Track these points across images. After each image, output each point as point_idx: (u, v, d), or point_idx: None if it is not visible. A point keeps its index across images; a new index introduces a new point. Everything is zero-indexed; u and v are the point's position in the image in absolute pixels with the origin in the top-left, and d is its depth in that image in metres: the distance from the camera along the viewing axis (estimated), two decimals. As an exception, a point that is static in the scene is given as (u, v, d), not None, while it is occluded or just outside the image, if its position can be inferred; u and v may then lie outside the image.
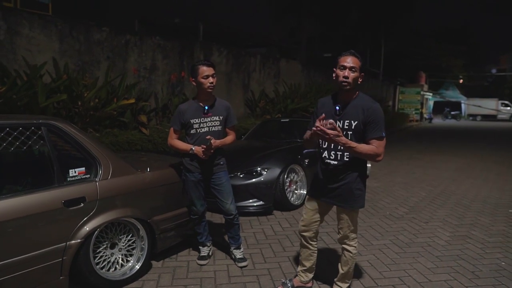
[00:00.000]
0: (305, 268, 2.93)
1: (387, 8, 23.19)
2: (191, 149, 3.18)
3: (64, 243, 2.60)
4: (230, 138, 3.37)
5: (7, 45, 5.94)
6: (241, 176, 4.93)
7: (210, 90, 3.19)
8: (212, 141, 3.09)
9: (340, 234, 2.74)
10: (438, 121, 32.44)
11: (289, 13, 19.19)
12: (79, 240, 2.66)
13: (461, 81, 40.83)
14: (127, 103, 6.49)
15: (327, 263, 3.43)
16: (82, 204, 2.68)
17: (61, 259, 2.59)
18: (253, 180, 4.90)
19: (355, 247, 2.74)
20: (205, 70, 3.13)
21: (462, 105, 37.76)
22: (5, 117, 2.73)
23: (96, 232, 2.79)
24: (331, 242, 4.01)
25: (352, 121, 2.52)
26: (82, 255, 2.71)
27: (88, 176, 2.81)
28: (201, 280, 3.13)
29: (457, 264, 3.51)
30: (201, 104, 3.25)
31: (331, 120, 2.41)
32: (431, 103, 36.30)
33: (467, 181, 7.22)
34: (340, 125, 2.53)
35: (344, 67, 2.48)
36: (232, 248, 3.48)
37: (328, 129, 2.34)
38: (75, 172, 2.74)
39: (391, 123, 19.12)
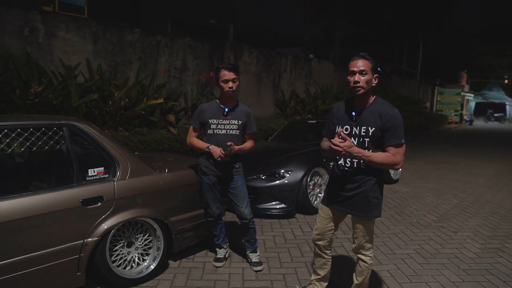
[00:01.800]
0: (319, 277, 2.87)
1: (426, 7, 22.36)
2: (208, 147, 3.18)
3: (82, 241, 2.68)
4: (248, 144, 3.34)
5: (45, 47, 6.21)
6: (263, 178, 4.90)
7: (229, 95, 3.19)
8: (232, 147, 3.08)
9: (355, 244, 2.65)
10: (479, 123, 31.01)
11: (322, 12, 18.90)
12: (96, 238, 2.73)
13: (506, 81, 38.75)
14: (156, 103, 6.61)
15: (346, 272, 3.34)
16: (99, 203, 2.76)
17: (78, 256, 2.68)
18: (276, 182, 4.86)
19: (370, 257, 2.65)
20: (225, 74, 3.13)
21: (507, 107, 35.90)
22: (29, 117, 2.85)
23: (112, 230, 2.86)
24: (344, 253, 3.90)
25: (369, 128, 2.43)
26: (98, 252, 2.79)
27: (107, 176, 2.88)
28: (215, 282, 3.14)
29: (485, 279, 3.31)
30: (222, 105, 3.26)
31: (341, 129, 2.43)
32: (472, 104, 34.75)
33: (505, 189, 6.84)
34: (357, 132, 2.46)
35: (354, 72, 2.40)
36: (248, 251, 3.47)
37: (340, 141, 2.32)
38: (94, 171, 2.82)
39: (427, 125, 18.46)
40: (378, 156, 2.35)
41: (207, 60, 8.94)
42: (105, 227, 2.78)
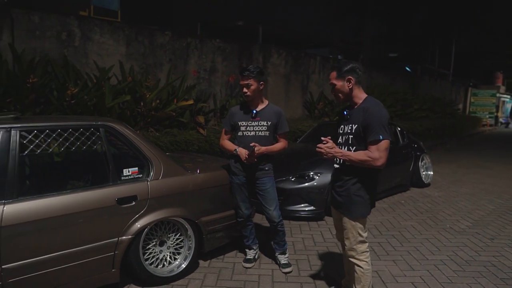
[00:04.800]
0: (347, 280, 2.85)
1: (460, 6, 21.63)
2: (235, 149, 3.23)
3: (116, 238, 2.76)
4: (279, 145, 3.32)
5: (81, 50, 6.43)
6: (292, 180, 4.89)
7: (246, 99, 3.27)
8: (256, 149, 3.09)
9: (346, 245, 2.61)
10: (516, 126, 29.74)
11: (352, 13, 18.63)
12: (130, 236, 2.81)
13: (546, 82, 36.98)
14: (186, 104, 6.72)
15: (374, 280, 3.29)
16: (133, 203, 2.83)
17: (113, 253, 2.76)
18: (305, 184, 4.84)
19: (366, 262, 2.56)
20: (240, 79, 3.22)
21: (546, 109, 34.27)
22: (67, 118, 2.96)
23: (146, 229, 2.92)
24: (374, 258, 3.84)
25: (353, 125, 2.52)
26: (132, 250, 2.86)
27: (141, 175, 2.95)
28: (245, 283, 3.15)
29: (525, 288, 3.18)
30: (251, 107, 3.28)
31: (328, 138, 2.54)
32: (508, 106, 33.41)
33: (545, 195, 6.53)
34: (347, 130, 2.57)
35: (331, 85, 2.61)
36: (277, 253, 3.47)
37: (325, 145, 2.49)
38: (128, 171, 2.90)
39: (460, 127, 17.89)
40: (356, 154, 2.43)
41: (236, 61, 9.00)
42: (139, 226, 2.85)
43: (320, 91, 11.39)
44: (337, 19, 18.35)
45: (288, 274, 3.33)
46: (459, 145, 14.44)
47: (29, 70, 5.08)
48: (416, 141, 7.33)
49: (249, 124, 3.26)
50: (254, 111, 3.26)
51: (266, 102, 3.34)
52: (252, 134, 3.25)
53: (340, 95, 2.56)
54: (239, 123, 3.28)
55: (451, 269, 3.51)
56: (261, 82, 3.24)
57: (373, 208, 2.59)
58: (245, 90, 3.20)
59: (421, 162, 6.88)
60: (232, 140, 3.42)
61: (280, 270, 3.38)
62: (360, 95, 2.55)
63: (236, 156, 3.26)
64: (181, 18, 11.50)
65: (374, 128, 2.38)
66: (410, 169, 6.70)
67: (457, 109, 21.11)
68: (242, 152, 3.18)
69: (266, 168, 3.31)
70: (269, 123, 3.26)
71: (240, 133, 3.29)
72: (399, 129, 6.95)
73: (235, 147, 3.26)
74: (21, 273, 2.37)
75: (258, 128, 3.26)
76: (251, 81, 3.18)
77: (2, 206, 2.33)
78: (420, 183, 6.85)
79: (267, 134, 3.27)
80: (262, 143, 3.19)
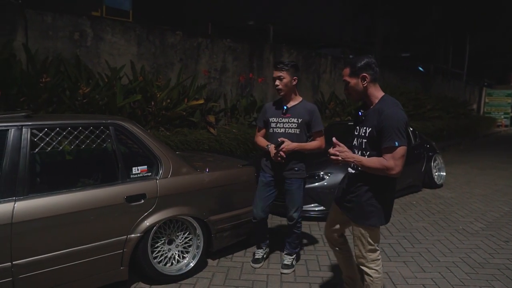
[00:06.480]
0: (346, 275, 2.78)
1: (474, 5, 21.27)
2: (267, 145, 3.20)
3: (125, 236, 2.77)
4: (313, 143, 3.22)
5: (93, 50, 6.49)
6: (302, 179, 4.86)
7: (278, 93, 3.21)
8: (285, 144, 3.03)
9: (355, 253, 2.49)
10: (532, 127, 29.15)
11: (364, 12, 18.48)
12: (138, 234, 2.82)
13: None
14: (196, 104, 6.73)
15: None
16: (142, 201, 2.84)
17: (122, 251, 2.77)
18: (315, 184, 4.81)
19: (376, 270, 2.43)
20: (273, 72, 3.18)
21: None
22: (77, 117, 2.98)
23: (154, 227, 2.93)
24: (385, 259, 3.78)
25: (367, 128, 2.32)
26: (141, 248, 2.87)
27: (150, 174, 2.96)
28: (253, 283, 3.14)
29: (540, 292, 3.11)
30: (283, 103, 3.25)
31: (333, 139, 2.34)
32: (524, 106, 32.70)
33: (562, 197, 6.38)
34: (361, 132, 2.39)
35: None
36: (284, 252, 3.44)
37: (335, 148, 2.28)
38: (137, 169, 2.91)
39: (474, 128, 17.60)
40: (369, 161, 2.24)
41: (247, 61, 8.99)
42: (148, 224, 2.86)
43: (331, 91, 11.32)
44: (349, 19, 18.24)
45: (297, 275, 3.30)
46: (473, 146, 14.21)
47: (42, 69, 5.14)
48: (429, 141, 7.24)
49: (279, 121, 3.21)
50: (285, 107, 3.21)
51: (299, 99, 3.27)
52: (281, 131, 3.19)
53: (354, 93, 2.39)
54: (270, 119, 3.25)
55: (463, 272, 3.45)
56: (294, 77, 3.17)
57: (388, 221, 2.41)
58: (277, 82, 3.13)
59: (433, 162, 6.79)
60: (266, 137, 3.37)
61: (280, 269, 3.34)
62: (377, 94, 2.35)
63: (268, 154, 3.22)
64: (192, 18, 11.55)
65: (389, 133, 2.17)
66: (422, 169, 6.61)
67: (471, 109, 20.77)
68: (272, 149, 3.13)
69: (296, 169, 3.21)
70: (300, 120, 3.17)
71: (271, 130, 3.25)
72: (411, 129, 6.87)
73: (268, 143, 3.23)
74: (31, 269, 2.40)
75: (288, 125, 3.19)
76: (284, 74, 3.11)
77: (13, 203, 2.36)
78: (432, 184, 6.75)
79: (298, 132, 3.18)
80: (291, 141, 3.10)
